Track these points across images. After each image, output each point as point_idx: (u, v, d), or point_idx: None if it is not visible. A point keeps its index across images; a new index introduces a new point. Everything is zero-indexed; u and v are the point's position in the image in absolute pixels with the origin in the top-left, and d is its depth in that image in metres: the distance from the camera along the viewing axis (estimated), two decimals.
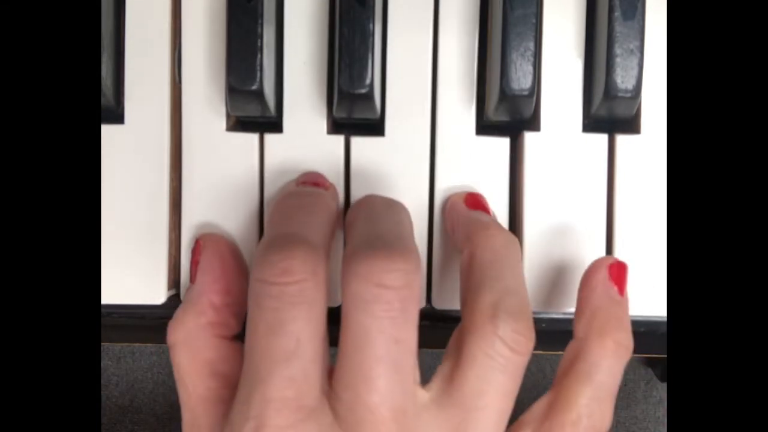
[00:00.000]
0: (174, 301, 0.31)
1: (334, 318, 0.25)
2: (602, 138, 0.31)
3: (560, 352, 0.28)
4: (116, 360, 0.46)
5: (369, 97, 0.28)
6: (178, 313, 0.28)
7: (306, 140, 0.30)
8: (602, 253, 0.31)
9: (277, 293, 0.24)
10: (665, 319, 0.31)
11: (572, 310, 0.29)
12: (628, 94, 0.28)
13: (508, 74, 0.28)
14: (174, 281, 0.31)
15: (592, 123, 0.31)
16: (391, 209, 0.28)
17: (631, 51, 0.28)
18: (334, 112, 0.30)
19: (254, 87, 0.28)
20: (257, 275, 0.25)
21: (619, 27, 0.28)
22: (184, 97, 0.30)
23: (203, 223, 0.30)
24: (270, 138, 0.31)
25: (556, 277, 0.31)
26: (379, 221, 0.27)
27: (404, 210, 0.28)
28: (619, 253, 0.31)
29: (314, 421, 0.24)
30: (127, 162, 0.30)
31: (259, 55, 0.28)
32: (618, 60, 0.28)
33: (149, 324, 0.31)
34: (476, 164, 0.31)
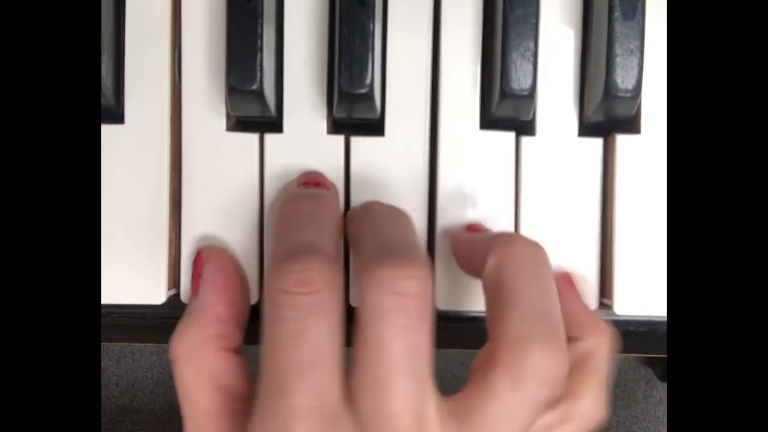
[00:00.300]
0: (174, 301, 0.31)
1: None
2: (597, 142, 0.31)
3: None
4: (116, 360, 0.46)
5: (369, 97, 0.28)
6: (181, 325, 0.28)
7: (306, 140, 0.30)
8: (596, 255, 0.31)
9: (296, 303, 0.24)
10: (665, 319, 0.31)
11: None
12: (629, 94, 0.28)
13: (508, 74, 0.28)
14: (174, 281, 0.31)
15: (587, 126, 0.31)
16: (396, 218, 0.28)
17: (631, 51, 0.28)
18: (334, 112, 0.30)
19: (254, 87, 0.28)
20: (275, 285, 0.25)
21: (619, 27, 0.28)
22: (184, 97, 0.30)
23: (203, 223, 0.30)
24: (270, 138, 0.31)
25: None
26: (387, 230, 0.27)
27: (407, 217, 0.28)
28: (619, 253, 0.31)
29: (337, 428, 0.24)
30: (127, 162, 0.30)
31: (259, 55, 0.28)
32: (618, 60, 0.28)
33: (149, 324, 0.31)
34: (481, 159, 0.31)
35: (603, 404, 0.28)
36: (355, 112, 0.30)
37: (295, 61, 0.31)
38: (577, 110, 0.31)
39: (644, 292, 0.31)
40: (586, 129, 0.31)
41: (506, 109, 0.30)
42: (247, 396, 0.27)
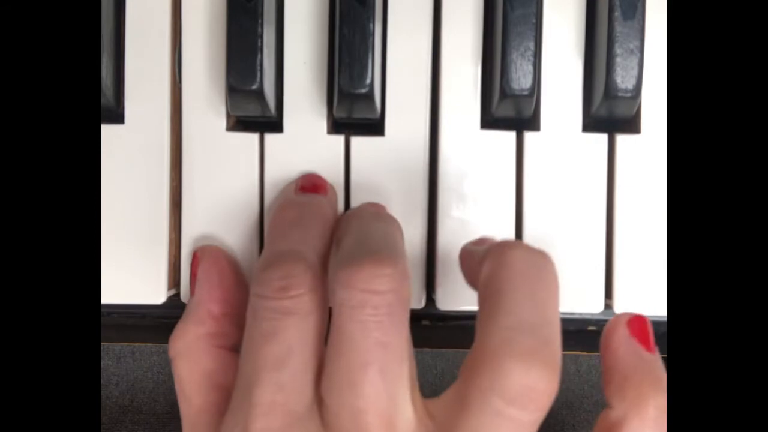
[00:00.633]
0: (174, 301, 0.31)
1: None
2: (602, 138, 0.31)
3: (564, 352, 0.28)
4: (116, 360, 0.46)
5: (369, 96, 0.28)
6: (179, 325, 0.28)
7: (306, 140, 0.30)
8: (602, 254, 0.31)
9: (273, 306, 0.25)
10: (665, 319, 0.31)
11: (572, 310, 0.29)
12: (628, 94, 0.28)
13: (509, 74, 0.28)
14: (174, 281, 0.31)
15: (592, 123, 0.31)
16: (380, 220, 0.28)
17: (631, 51, 0.28)
18: (334, 112, 0.30)
19: (254, 87, 0.28)
20: (256, 291, 0.25)
21: (619, 27, 0.28)
22: (184, 97, 0.30)
23: (203, 223, 0.30)
24: (270, 138, 0.31)
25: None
26: (367, 231, 0.27)
27: (393, 221, 0.28)
28: (619, 253, 0.31)
29: (301, 427, 0.24)
30: (127, 162, 0.30)
31: (259, 55, 0.28)
32: (618, 60, 0.28)
33: (149, 324, 0.31)
34: (481, 158, 0.31)
35: None
36: (355, 112, 0.30)
37: (295, 61, 0.31)
38: (582, 106, 0.31)
39: (644, 292, 0.31)
40: (591, 124, 0.31)
41: (506, 108, 0.30)
42: None
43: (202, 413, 0.27)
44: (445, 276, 0.31)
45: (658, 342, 0.31)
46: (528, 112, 0.30)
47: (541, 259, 0.25)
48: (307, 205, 0.28)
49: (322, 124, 0.31)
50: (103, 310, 0.31)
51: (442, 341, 0.27)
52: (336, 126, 0.31)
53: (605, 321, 0.28)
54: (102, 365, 0.46)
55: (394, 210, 0.30)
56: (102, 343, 0.32)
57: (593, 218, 0.31)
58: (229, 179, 0.30)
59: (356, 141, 0.31)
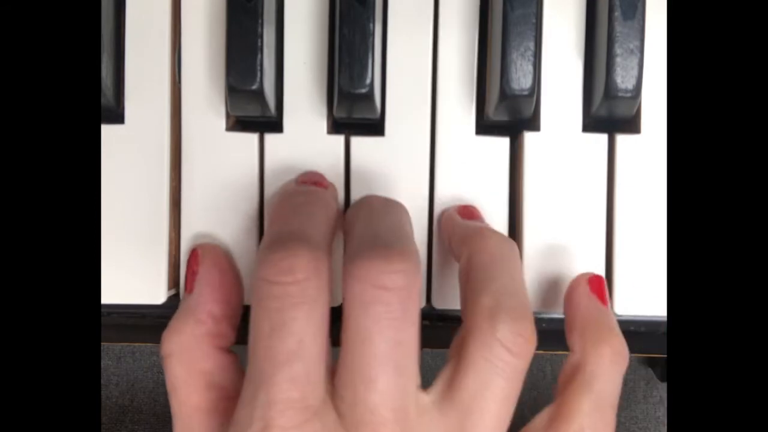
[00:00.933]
0: (174, 301, 0.31)
1: (335, 317, 0.25)
2: (602, 138, 0.31)
3: (561, 352, 0.28)
4: (116, 360, 0.46)
5: (369, 97, 0.28)
6: (174, 322, 0.28)
7: (306, 140, 0.30)
8: (602, 253, 0.31)
9: (279, 293, 0.24)
10: (665, 319, 0.31)
11: None
12: (628, 94, 0.28)
13: (508, 74, 0.28)
14: (174, 281, 0.31)
15: (592, 123, 0.31)
16: (390, 209, 0.28)
17: (631, 51, 0.28)
18: (334, 112, 0.30)
19: (254, 87, 0.28)
20: (260, 274, 0.25)
21: (619, 27, 0.28)
22: (184, 97, 0.30)
23: (203, 222, 0.30)
24: (270, 138, 0.31)
25: (556, 276, 0.31)
26: (378, 222, 0.27)
27: (403, 209, 0.28)
28: (619, 253, 0.31)
29: (318, 421, 0.24)
30: (127, 162, 0.30)
31: (259, 55, 0.28)
32: (618, 60, 0.28)
33: (149, 324, 0.31)
34: (476, 164, 0.31)
35: (606, 424, 0.27)
36: (355, 112, 0.30)
37: (295, 61, 0.31)
38: (582, 106, 0.31)
39: (644, 292, 0.31)
40: (591, 124, 0.31)
41: (506, 108, 0.30)
42: (237, 395, 0.27)
43: (196, 412, 0.27)
44: (442, 276, 0.31)
45: (658, 342, 0.31)
46: (528, 112, 0.30)
47: (510, 244, 0.28)
48: (311, 193, 0.28)
49: (322, 124, 0.31)
50: (103, 310, 0.31)
51: (442, 341, 0.27)
52: (336, 126, 0.31)
53: None
54: (102, 365, 0.46)
55: None
56: (102, 343, 0.32)
57: (593, 218, 0.31)
58: (229, 179, 0.30)
59: (356, 141, 0.31)
